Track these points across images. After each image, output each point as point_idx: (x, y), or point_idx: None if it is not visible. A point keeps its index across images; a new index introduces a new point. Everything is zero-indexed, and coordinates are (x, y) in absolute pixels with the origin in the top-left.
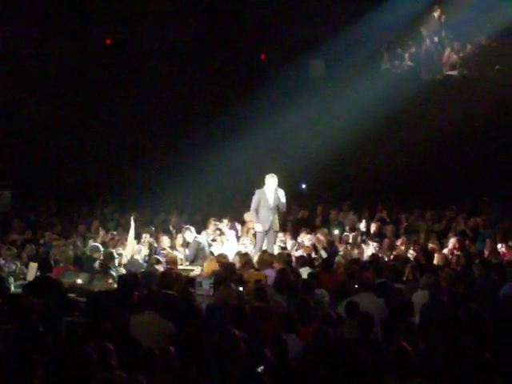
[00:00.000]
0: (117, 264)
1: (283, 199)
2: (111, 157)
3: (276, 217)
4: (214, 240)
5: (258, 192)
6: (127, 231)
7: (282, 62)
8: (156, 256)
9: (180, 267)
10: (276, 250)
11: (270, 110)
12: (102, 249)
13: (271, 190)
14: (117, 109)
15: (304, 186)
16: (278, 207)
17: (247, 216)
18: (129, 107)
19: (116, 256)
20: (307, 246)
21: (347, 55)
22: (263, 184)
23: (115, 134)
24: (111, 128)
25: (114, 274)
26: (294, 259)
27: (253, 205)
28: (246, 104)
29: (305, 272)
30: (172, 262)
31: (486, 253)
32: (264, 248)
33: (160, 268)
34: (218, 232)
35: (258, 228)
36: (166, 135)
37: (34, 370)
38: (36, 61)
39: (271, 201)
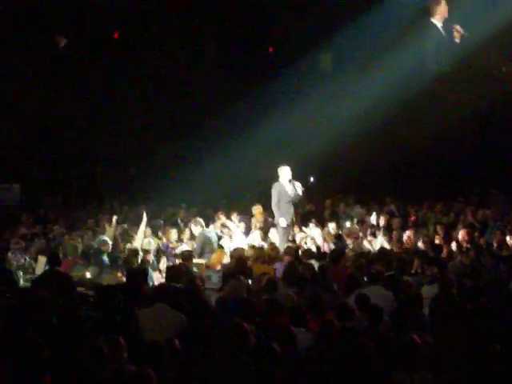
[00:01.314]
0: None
1: (300, 191)
2: (119, 150)
3: (293, 209)
4: (222, 232)
5: (275, 185)
6: (137, 225)
7: (290, 54)
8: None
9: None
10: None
11: (279, 103)
12: (110, 242)
13: (287, 182)
14: (125, 104)
15: (312, 179)
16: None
17: (256, 209)
18: (138, 101)
19: (140, 252)
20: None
21: (356, 48)
22: (274, 177)
23: (123, 129)
24: (119, 123)
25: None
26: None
27: (274, 199)
28: (255, 97)
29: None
30: (186, 257)
31: (495, 245)
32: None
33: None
34: (223, 227)
35: (283, 223)
36: (174, 128)
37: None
38: (42, 51)
39: (290, 192)
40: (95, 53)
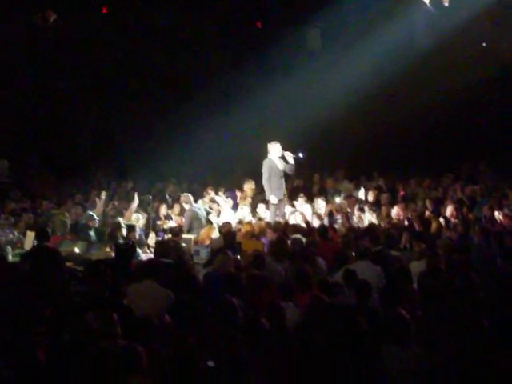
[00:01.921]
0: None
1: (291, 160)
2: (107, 126)
3: (284, 184)
4: (210, 208)
5: (266, 162)
6: (125, 200)
7: (278, 30)
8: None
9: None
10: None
11: (268, 79)
12: (96, 217)
13: (277, 158)
14: (113, 80)
15: (301, 154)
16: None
17: (247, 185)
18: (126, 76)
19: (123, 225)
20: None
21: (344, 24)
22: (264, 152)
23: (111, 104)
24: (106, 97)
25: (120, 242)
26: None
27: (265, 175)
28: (243, 73)
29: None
30: (175, 233)
31: (484, 220)
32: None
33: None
34: (212, 203)
35: (273, 200)
36: (163, 103)
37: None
38: (32, 31)
39: (281, 168)
40: (82, 27)
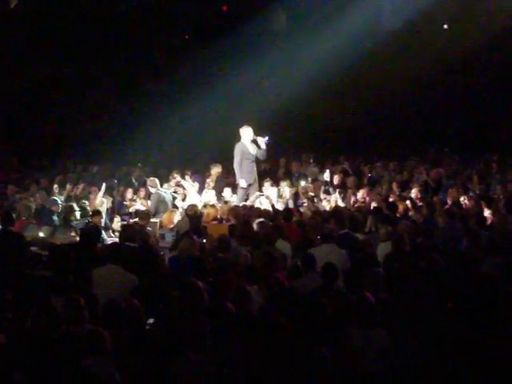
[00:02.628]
0: (79, 217)
1: (263, 145)
2: (71, 110)
3: (255, 168)
4: (175, 192)
5: (238, 145)
6: (92, 184)
7: (244, 14)
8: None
9: None
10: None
11: (234, 63)
12: (59, 202)
13: (249, 142)
14: (77, 62)
15: (267, 138)
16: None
17: (214, 169)
18: (89, 62)
19: (76, 209)
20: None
21: (310, 7)
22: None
23: (76, 88)
24: (71, 81)
25: (74, 226)
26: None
27: (236, 158)
28: (210, 57)
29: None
30: (143, 217)
31: (449, 203)
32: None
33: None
34: (178, 187)
35: (243, 184)
36: (129, 87)
37: None
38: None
39: (252, 152)
40: (53, 12)
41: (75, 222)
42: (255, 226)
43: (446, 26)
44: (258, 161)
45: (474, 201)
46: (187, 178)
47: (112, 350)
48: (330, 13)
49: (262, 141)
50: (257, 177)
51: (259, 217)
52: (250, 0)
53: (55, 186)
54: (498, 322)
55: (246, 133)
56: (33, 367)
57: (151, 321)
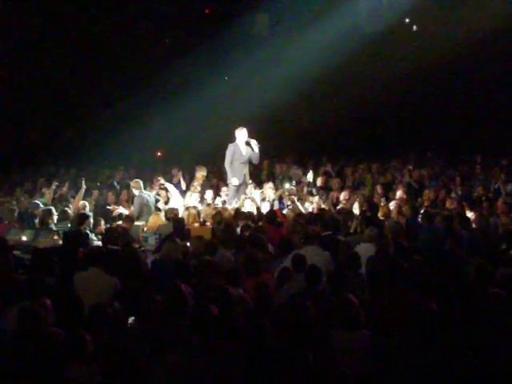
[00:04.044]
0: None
1: (256, 149)
2: (53, 115)
3: (247, 170)
4: (158, 195)
5: (231, 146)
6: (74, 188)
7: (226, 16)
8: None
9: None
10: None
11: (216, 65)
12: (42, 206)
13: (243, 143)
14: (60, 68)
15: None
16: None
17: (199, 171)
18: (73, 65)
19: (55, 212)
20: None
21: (292, 10)
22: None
23: (58, 92)
24: (53, 86)
25: (54, 229)
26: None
27: (228, 158)
28: (192, 59)
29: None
30: (126, 220)
31: (426, 204)
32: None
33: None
34: (161, 189)
35: (235, 182)
36: (112, 90)
37: None
38: None
39: (244, 153)
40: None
41: (55, 226)
42: (239, 229)
43: (415, 28)
44: (250, 163)
45: (455, 202)
46: (177, 173)
47: (94, 354)
48: (312, 16)
49: (255, 144)
50: (248, 179)
51: (244, 219)
52: (233, 3)
53: (43, 188)
54: (481, 322)
55: (240, 134)
56: (15, 371)
57: (131, 319)
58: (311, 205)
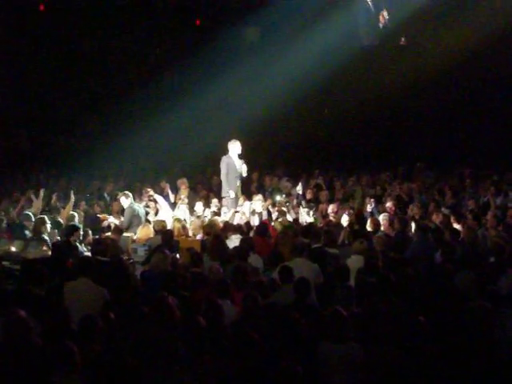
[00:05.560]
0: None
1: (244, 173)
2: (43, 124)
3: (240, 183)
4: (147, 206)
5: (225, 158)
6: (64, 198)
7: (217, 28)
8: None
9: None
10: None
11: (206, 76)
12: (33, 217)
13: (236, 156)
14: (49, 76)
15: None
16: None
17: (181, 183)
18: (64, 74)
19: (48, 221)
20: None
21: (283, 22)
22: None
23: (48, 102)
24: (44, 96)
25: (46, 239)
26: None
27: (223, 170)
28: (182, 70)
29: (235, 239)
30: (115, 231)
31: (416, 217)
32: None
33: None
34: (150, 201)
35: (232, 195)
36: (101, 100)
37: None
38: None
39: (238, 167)
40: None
41: (46, 235)
42: (229, 242)
43: (402, 40)
44: (241, 177)
45: (442, 215)
46: (164, 185)
47: (82, 365)
48: (303, 26)
49: (245, 169)
50: (239, 193)
51: (234, 232)
52: (224, 14)
53: (33, 198)
54: (469, 334)
55: (235, 147)
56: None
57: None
58: (300, 216)
